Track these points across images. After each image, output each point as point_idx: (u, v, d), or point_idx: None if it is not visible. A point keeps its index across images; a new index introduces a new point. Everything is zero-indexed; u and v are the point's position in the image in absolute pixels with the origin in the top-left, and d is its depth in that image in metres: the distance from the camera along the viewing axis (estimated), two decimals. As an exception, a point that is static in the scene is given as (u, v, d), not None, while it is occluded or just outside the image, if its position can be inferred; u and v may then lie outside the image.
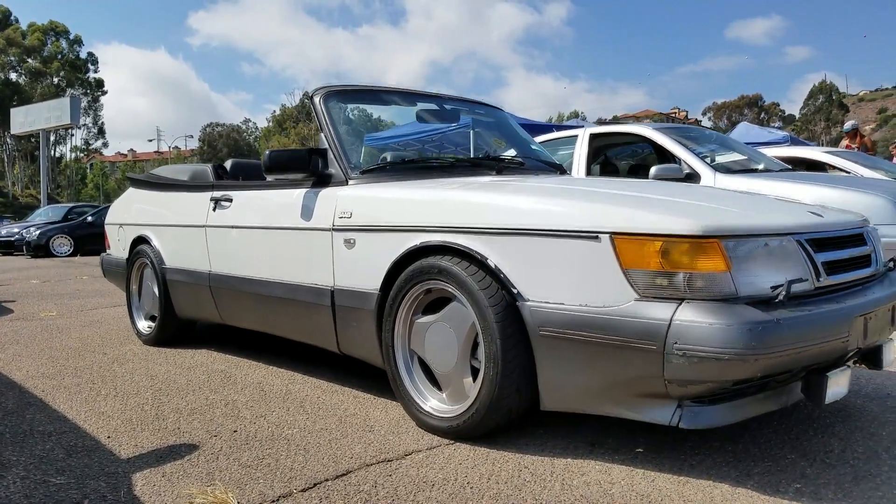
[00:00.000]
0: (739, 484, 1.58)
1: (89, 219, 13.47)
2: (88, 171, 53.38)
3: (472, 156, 2.82)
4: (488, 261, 1.82)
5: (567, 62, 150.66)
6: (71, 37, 44.61)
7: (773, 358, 1.46)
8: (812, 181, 3.83)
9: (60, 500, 1.54)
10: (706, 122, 79.55)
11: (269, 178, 2.44)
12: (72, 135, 43.75)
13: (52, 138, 26.97)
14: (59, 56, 44.00)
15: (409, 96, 2.91)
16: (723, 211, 1.73)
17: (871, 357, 1.90)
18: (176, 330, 3.34)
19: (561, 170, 2.83)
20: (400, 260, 2.05)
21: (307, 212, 2.39)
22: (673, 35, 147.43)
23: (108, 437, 1.99)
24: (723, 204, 1.84)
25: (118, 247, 3.76)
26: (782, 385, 1.67)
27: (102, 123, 47.58)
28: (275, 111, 60.29)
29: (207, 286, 2.95)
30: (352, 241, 2.22)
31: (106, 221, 3.98)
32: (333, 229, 2.28)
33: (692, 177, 4.08)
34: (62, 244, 13.14)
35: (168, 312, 3.27)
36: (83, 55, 45.55)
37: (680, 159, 4.20)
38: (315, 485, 1.62)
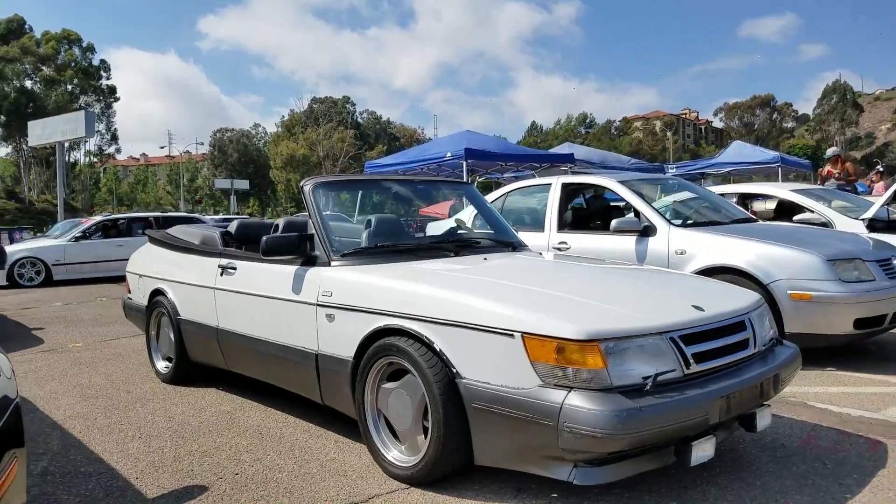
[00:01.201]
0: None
1: (106, 234, 14.05)
2: (102, 175, 54.47)
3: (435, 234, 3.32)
4: (434, 345, 2.30)
5: (576, 62, 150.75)
6: (84, 45, 45.56)
7: (636, 437, 1.94)
8: (755, 237, 4.26)
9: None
10: (717, 123, 79.38)
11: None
12: (85, 141, 44.58)
13: (66, 145, 27.75)
14: (73, 64, 44.94)
15: (387, 182, 3.41)
16: (610, 313, 2.20)
17: (747, 422, 2.37)
18: (189, 371, 3.86)
19: (513, 245, 3.31)
20: (368, 336, 2.54)
21: (297, 287, 2.89)
22: (684, 34, 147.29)
23: (137, 479, 2.50)
24: (616, 301, 2.32)
25: (138, 294, 4.29)
26: (659, 449, 2.14)
27: (115, 129, 48.49)
28: (283, 116, 61.11)
29: (216, 338, 3.46)
30: (332, 316, 2.72)
31: (127, 269, 4.51)
32: (318, 305, 2.77)
33: (650, 229, 4.54)
34: (80, 259, 13.72)
35: (182, 356, 3.79)
36: (96, 62, 46.48)
37: (640, 212, 4.66)
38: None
